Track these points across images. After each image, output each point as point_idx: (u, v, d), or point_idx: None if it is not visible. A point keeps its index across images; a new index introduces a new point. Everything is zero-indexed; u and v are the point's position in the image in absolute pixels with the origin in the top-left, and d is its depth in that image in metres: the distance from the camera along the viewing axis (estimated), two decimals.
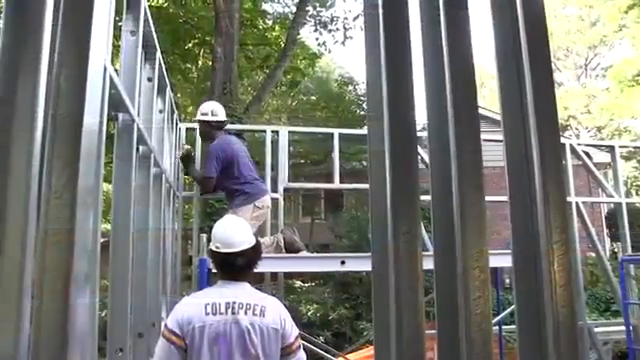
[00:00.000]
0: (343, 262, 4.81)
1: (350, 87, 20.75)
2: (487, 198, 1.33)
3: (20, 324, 1.06)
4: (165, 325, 2.70)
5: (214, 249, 2.87)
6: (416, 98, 1.32)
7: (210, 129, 5.34)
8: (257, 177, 5.42)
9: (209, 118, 5.32)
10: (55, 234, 1.05)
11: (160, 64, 3.80)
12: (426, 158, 5.25)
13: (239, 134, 5.91)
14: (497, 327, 6.55)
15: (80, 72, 1.14)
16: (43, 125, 1.14)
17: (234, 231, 2.91)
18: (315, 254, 6.11)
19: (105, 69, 1.81)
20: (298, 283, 14.01)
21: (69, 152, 1.09)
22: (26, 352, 1.06)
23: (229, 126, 6.67)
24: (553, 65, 1.51)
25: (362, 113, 18.79)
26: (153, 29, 3.37)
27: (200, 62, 16.16)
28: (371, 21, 1.40)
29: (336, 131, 6.27)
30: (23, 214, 1.09)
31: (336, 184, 6.17)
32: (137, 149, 3.01)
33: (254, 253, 2.89)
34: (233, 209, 5.11)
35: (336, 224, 15.82)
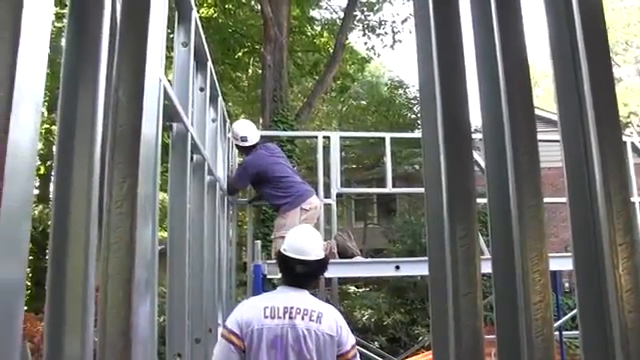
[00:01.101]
0: (397, 267, 4.77)
1: (400, 90, 20.57)
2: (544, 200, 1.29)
3: (86, 328, 1.10)
4: (225, 326, 2.77)
5: (283, 252, 2.95)
6: (470, 99, 1.30)
7: (242, 149, 5.56)
8: (299, 180, 5.49)
9: (240, 144, 5.49)
10: (117, 242, 1.09)
11: (211, 74, 3.87)
12: (480, 161, 5.17)
13: (278, 141, 6.01)
14: (558, 332, 6.36)
15: (137, 85, 1.18)
16: (102, 137, 1.19)
17: (307, 240, 3.00)
18: (369, 259, 6.09)
19: (159, 81, 1.86)
20: (352, 288, 13.96)
21: (129, 162, 1.13)
22: (91, 355, 1.11)
23: (280, 133, 6.76)
24: (612, 60, 1.45)
25: (413, 116, 18.60)
26: (204, 40, 3.44)
27: (250, 70, 16.38)
28: (421, 22, 1.38)
29: (387, 135, 6.23)
30: (85, 223, 1.13)
31: (389, 188, 6.13)
32: (191, 158, 3.08)
33: (319, 267, 2.99)
34: (281, 215, 5.18)
35: (389, 228, 15.70)
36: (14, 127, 0.83)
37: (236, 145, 5.60)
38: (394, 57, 30.97)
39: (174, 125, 2.69)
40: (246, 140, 5.42)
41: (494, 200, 1.28)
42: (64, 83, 1.21)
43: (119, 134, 1.14)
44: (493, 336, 1.26)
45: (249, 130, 5.51)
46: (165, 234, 2.71)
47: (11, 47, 0.84)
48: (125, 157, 1.13)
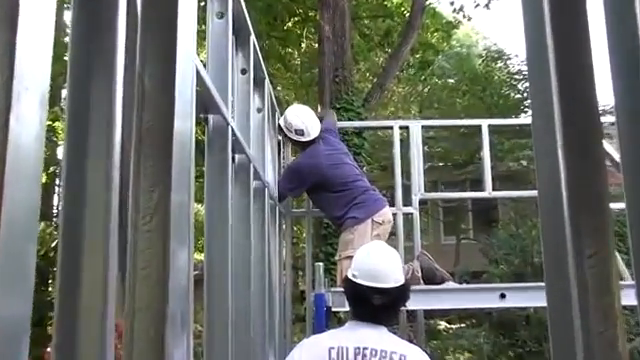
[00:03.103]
0: (503, 295, 4.69)
1: (500, 63, 20.27)
2: None
3: None
4: None
5: (352, 278, 2.96)
6: (597, 73, 1.26)
7: (298, 144, 5.56)
8: (369, 185, 5.50)
9: (294, 137, 5.47)
10: (145, 267, 1.11)
11: (255, 51, 3.90)
12: (613, 152, 5.00)
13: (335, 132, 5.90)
14: None
15: (167, 69, 1.19)
16: (122, 136, 1.22)
17: (384, 262, 3.00)
18: (464, 285, 6.01)
19: (193, 63, 1.89)
20: (443, 324, 13.85)
21: (159, 166, 1.15)
22: None
23: (344, 124, 6.77)
24: None
25: (518, 96, 18.28)
26: (244, 8, 3.48)
27: (304, 45, 16.51)
28: None
29: (485, 122, 6.14)
30: (103, 244, 1.15)
31: (488, 192, 6.03)
32: (233, 159, 3.11)
33: (400, 296, 2.97)
34: (348, 230, 5.18)
35: (490, 245, 15.44)
36: (15, 124, 0.83)
37: (288, 138, 5.58)
38: (490, 19, 30.54)
39: (210, 118, 2.73)
40: (303, 134, 5.40)
41: (635, 205, 1.23)
42: (72, 68, 1.23)
43: (146, 131, 1.16)
44: None
45: (307, 120, 5.47)
46: (201, 256, 2.76)
47: (8, 24, 0.85)
48: (154, 160, 1.15)
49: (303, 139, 5.42)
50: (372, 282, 2.89)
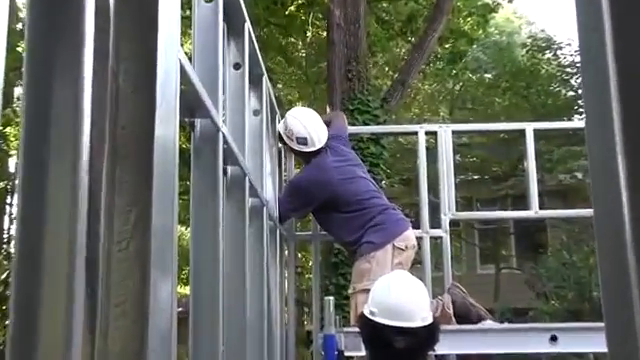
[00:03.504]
0: (554, 338, 4.67)
1: (548, 54, 20.29)
2: None
3: None
4: None
5: (369, 316, 2.95)
6: None
7: (301, 155, 5.56)
8: (388, 203, 5.51)
9: (296, 147, 5.44)
10: (120, 303, 1.11)
11: (251, 41, 3.91)
12: None
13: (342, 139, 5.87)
14: None
15: (146, 63, 1.19)
16: (91, 147, 1.21)
17: (406, 295, 3.00)
18: (505, 325, 5.98)
19: (177, 56, 1.89)
20: None
21: (137, 180, 1.15)
22: None
23: (358, 129, 6.74)
24: None
25: (571, 94, 18.27)
26: None
27: (309, 33, 16.56)
28: None
29: (529, 126, 6.12)
30: (67, 275, 1.14)
31: (534, 210, 6.00)
32: (224, 171, 3.11)
33: (427, 337, 2.97)
34: (364, 258, 5.14)
35: (537, 275, 15.40)
36: None
37: (289, 147, 5.56)
38: (536, 1, 30.59)
39: (197, 122, 2.73)
40: (306, 143, 5.37)
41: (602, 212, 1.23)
42: (30, 61, 1.23)
43: (121, 139, 1.16)
44: None
45: (312, 126, 5.43)
46: (185, 290, 2.75)
47: None
48: (131, 173, 1.15)
49: (307, 149, 5.39)
50: (394, 321, 2.89)
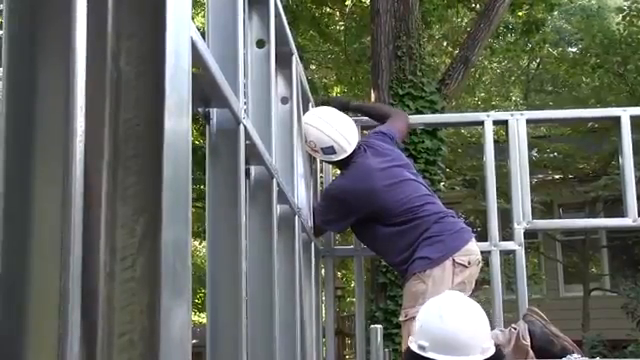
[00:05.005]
0: None
1: None
2: None
3: None
4: None
5: (418, 351, 2.95)
6: None
7: (332, 163, 5.63)
8: (445, 210, 5.50)
9: (323, 158, 5.50)
10: (125, 333, 1.11)
11: (278, 13, 3.90)
12: None
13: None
14: None
15: (153, 43, 1.19)
16: (86, 143, 1.21)
17: (462, 324, 3.00)
18: None
19: (188, 34, 1.89)
20: None
21: (144, 185, 1.15)
22: None
23: (410, 119, 6.68)
24: None
25: None
26: None
27: (349, 2, 16.55)
28: None
29: (625, 112, 6.07)
30: (60, 300, 1.15)
31: (632, 218, 5.94)
32: (247, 172, 3.12)
33: None
34: (417, 277, 5.11)
35: (637, 299, 15.24)
36: None
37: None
38: None
39: (213, 112, 2.73)
40: (334, 151, 5.34)
41: None
42: (10, 44, 1.23)
43: (124, 136, 1.16)
44: None
45: (335, 130, 5.36)
46: (202, 317, 2.75)
47: None
48: (137, 175, 1.15)
49: (337, 158, 5.38)
50: (449, 356, 2.87)
